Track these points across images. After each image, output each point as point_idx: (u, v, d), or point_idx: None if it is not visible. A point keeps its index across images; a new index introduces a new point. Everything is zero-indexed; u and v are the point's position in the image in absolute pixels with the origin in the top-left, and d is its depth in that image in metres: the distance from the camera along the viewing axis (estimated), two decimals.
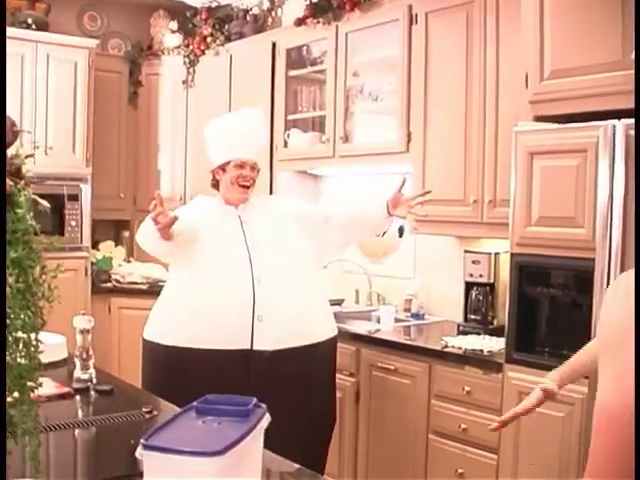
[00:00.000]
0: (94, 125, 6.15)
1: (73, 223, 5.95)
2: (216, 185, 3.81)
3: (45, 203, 1.43)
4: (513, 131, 3.41)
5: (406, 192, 3.93)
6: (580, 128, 3.15)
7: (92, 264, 6.11)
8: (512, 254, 3.43)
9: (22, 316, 1.37)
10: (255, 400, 1.78)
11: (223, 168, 3.74)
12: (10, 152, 1.38)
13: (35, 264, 1.39)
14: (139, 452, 1.54)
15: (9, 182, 1.33)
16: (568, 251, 3.18)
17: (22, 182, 1.38)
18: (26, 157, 1.40)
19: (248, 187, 3.72)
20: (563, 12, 3.34)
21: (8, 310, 1.35)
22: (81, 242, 5.97)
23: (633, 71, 2.99)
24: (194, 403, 1.75)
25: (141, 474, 1.61)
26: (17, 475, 1.71)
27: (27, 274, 1.36)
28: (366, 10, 4.79)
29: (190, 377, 3.34)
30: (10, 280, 1.35)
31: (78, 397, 2.89)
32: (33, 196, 1.42)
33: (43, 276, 1.41)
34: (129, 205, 6.62)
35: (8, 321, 1.36)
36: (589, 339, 3.02)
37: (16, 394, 1.47)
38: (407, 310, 4.89)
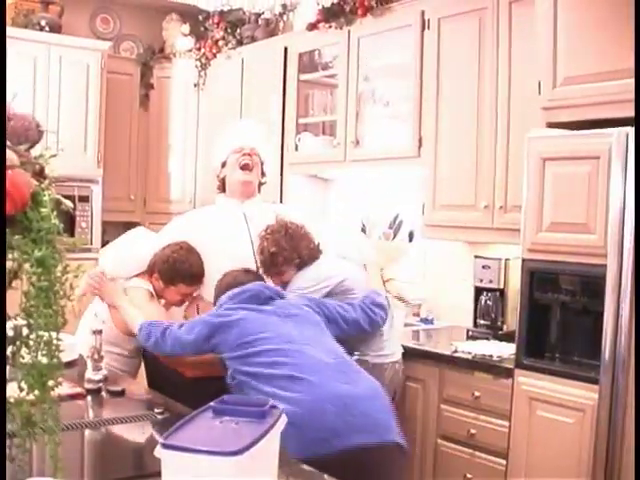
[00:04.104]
0: (105, 127, 6.18)
1: (83, 224, 5.96)
2: (222, 187, 3.87)
3: (68, 203, 1.44)
4: (526, 137, 3.41)
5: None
6: (593, 135, 3.15)
7: None
8: (523, 260, 3.43)
9: (44, 315, 1.38)
10: (271, 401, 1.78)
11: (224, 163, 3.81)
12: (34, 152, 1.39)
13: (57, 263, 1.40)
14: (158, 451, 1.55)
15: (34, 182, 1.35)
16: (579, 257, 3.18)
17: (46, 182, 1.40)
18: (50, 157, 1.41)
19: (249, 168, 3.75)
20: (576, 19, 3.35)
21: (31, 309, 1.37)
22: (91, 243, 5.98)
23: (633, 79, 3.01)
24: (211, 403, 1.76)
25: (150, 475, 1.62)
26: (35, 474, 1.72)
27: (50, 273, 1.37)
28: (378, 15, 4.79)
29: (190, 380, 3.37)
30: (33, 279, 1.36)
31: (89, 398, 2.90)
32: (56, 196, 1.43)
33: (65, 275, 1.42)
34: (139, 207, 6.65)
35: (31, 320, 1.37)
36: (600, 345, 3.04)
37: (37, 392, 1.47)
38: (416, 315, 4.89)
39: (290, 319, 3.12)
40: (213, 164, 3.92)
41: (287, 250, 3.50)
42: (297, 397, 2.74)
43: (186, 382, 3.34)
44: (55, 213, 1.41)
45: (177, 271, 3.52)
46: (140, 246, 3.71)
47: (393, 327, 3.76)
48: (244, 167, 3.75)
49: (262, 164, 3.85)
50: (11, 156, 1.34)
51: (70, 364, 3.18)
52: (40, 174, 1.42)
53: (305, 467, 2.17)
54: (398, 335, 3.93)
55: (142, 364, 3.74)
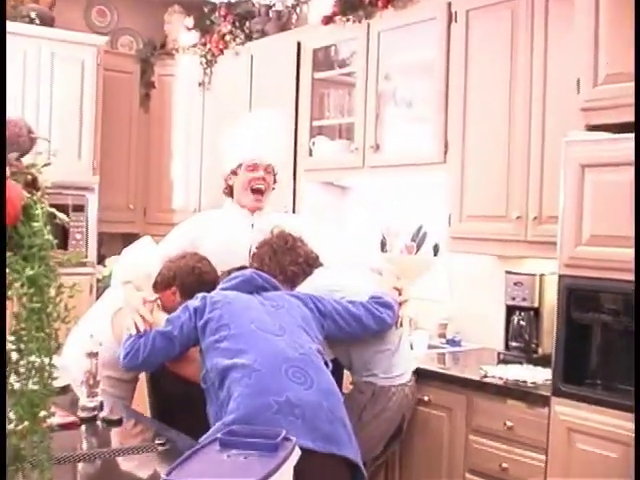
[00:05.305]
0: (102, 130, 6.20)
1: (78, 236, 5.97)
2: (229, 192, 3.91)
3: (63, 216, 1.44)
4: (563, 141, 3.40)
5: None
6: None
7: (98, 281, 6.12)
8: (560, 276, 3.42)
9: (36, 339, 1.38)
10: (284, 433, 1.78)
11: (235, 172, 3.84)
12: (25, 160, 1.39)
13: (51, 282, 1.39)
14: None
15: (25, 194, 1.34)
16: (622, 273, 3.16)
17: (39, 194, 1.40)
18: (43, 166, 1.41)
19: (262, 192, 3.81)
20: (620, 9, 3.33)
21: (22, 333, 1.36)
22: (86, 257, 5.99)
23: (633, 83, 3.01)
24: (218, 435, 1.76)
25: None
26: None
27: (43, 293, 1.37)
28: (401, 7, 4.79)
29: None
30: (24, 300, 1.36)
31: (84, 427, 2.90)
32: (50, 209, 1.43)
33: (59, 296, 1.42)
34: (139, 217, 6.67)
35: (22, 345, 1.37)
36: None
37: (27, 423, 1.47)
38: (442, 336, 4.88)
39: (274, 308, 3.28)
40: (222, 167, 3.95)
41: (269, 266, 3.59)
42: (245, 392, 2.87)
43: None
44: (48, 228, 1.41)
45: (204, 283, 3.54)
46: (147, 255, 3.72)
47: (403, 347, 3.77)
48: (256, 191, 3.80)
49: (275, 175, 3.90)
50: None
51: (62, 390, 3.18)
52: (32, 185, 1.42)
53: None
54: (409, 356, 3.91)
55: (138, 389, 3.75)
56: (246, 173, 3.83)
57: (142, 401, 3.79)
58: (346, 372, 3.80)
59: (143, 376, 3.78)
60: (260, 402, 2.83)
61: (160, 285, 3.61)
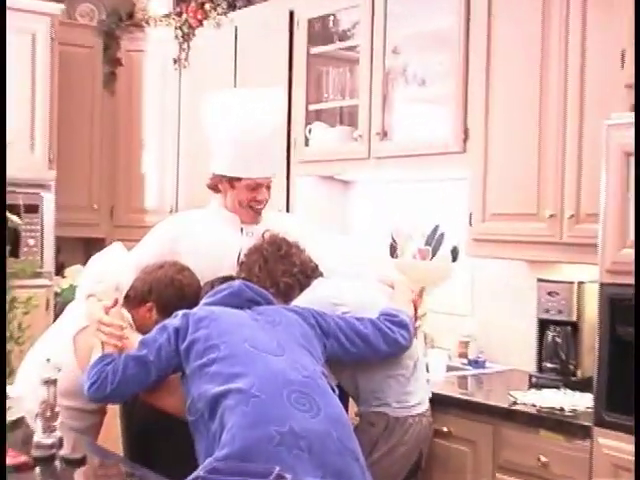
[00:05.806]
0: (59, 116, 6.21)
1: (31, 242, 5.96)
2: (217, 189, 3.90)
3: (15, 218, 1.43)
4: (604, 125, 3.40)
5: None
6: None
7: (56, 295, 6.11)
8: (602, 284, 3.43)
9: None
10: (278, 469, 1.77)
11: (231, 183, 3.82)
12: None
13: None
14: None
15: None
16: None
17: None
18: None
19: (261, 211, 3.83)
20: None
21: None
22: (41, 267, 5.97)
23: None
24: (200, 473, 1.75)
25: None
26: None
27: None
28: None
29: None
30: None
31: (39, 469, 2.87)
32: None
33: (12, 311, 1.40)
34: (104, 219, 6.68)
35: None
36: None
37: None
38: (463, 356, 4.88)
39: (270, 324, 3.27)
40: (215, 167, 3.89)
41: (259, 277, 3.61)
42: (242, 422, 2.82)
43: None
44: None
45: (185, 297, 3.54)
46: (118, 264, 3.70)
47: (420, 371, 3.78)
48: (256, 210, 3.89)
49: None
50: None
51: (14, 424, 3.15)
52: None
53: None
54: (425, 382, 3.91)
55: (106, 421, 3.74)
56: (245, 191, 3.82)
57: (111, 436, 3.77)
58: (351, 401, 3.79)
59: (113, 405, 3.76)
60: (259, 433, 2.80)
61: (134, 300, 3.60)
